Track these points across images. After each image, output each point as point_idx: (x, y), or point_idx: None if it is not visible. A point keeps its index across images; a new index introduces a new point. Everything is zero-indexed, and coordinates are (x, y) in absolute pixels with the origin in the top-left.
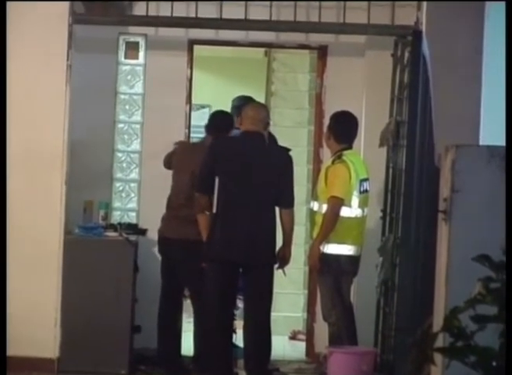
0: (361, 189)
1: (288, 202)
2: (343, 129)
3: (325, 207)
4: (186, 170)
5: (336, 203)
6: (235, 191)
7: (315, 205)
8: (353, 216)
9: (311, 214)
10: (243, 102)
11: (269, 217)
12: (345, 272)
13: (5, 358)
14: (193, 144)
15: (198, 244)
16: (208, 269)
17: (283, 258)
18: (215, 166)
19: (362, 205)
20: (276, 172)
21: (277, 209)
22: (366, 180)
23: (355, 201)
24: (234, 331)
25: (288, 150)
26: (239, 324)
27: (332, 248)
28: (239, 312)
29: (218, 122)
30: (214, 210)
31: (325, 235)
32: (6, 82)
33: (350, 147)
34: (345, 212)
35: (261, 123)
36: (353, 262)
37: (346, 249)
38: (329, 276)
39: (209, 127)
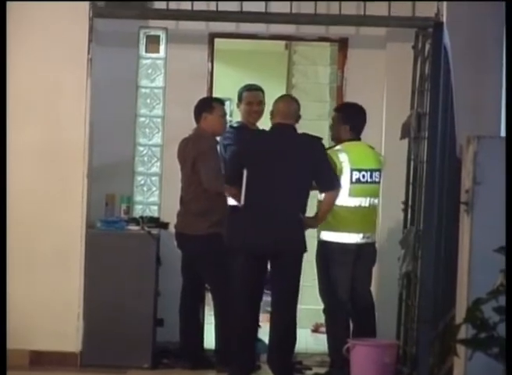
0: (353, 179)
1: (329, 185)
2: (360, 121)
3: (318, 194)
4: (186, 165)
5: None
6: (263, 183)
7: None
8: (339, 203)
9: None
10: (242, 89)
11: (298, 208)
12: (335, 260)
13: (5, 354)
14: (186, 139)
15: (212, 238)
16: (234, 260)
17: (307, 225)
18: (243, 159)
19: (356, 194)
20: (309, 161)
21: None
22: (366, 170)
23: (344, 190)
24: (258, 324)
25: (320, 139)
26: (262, 317)
27: (323, 235)
28: (262, 304)
29: (195, 110)
30: (241, 202)
31: None
32: (6, 80)
33: (357, 138)
34: None
35: (292, 116)
36: (344, 251)
37: (335, 236)
38: (321, 263)
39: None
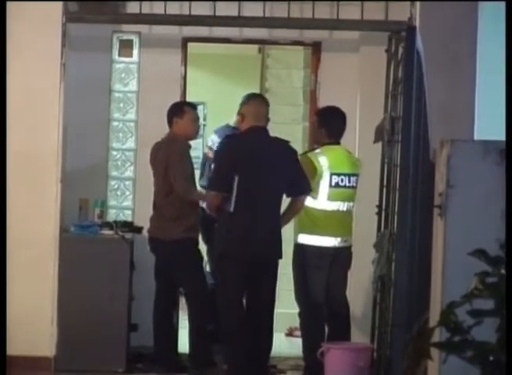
0: (332, 183)
1: (305, 189)
2: (337, 124)
3: None
4: (159, 169)
5: None
6: (252, 189)
7: None
8: (318, 207)
9: None
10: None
11: (279, 214)
12: (312, 264)
13: (5, 359)
14: (159, 143)
15: (186, 242)
16: (221, 267)
17: None
18: (235, 165)
19: (335, 198)
20: (285, 165)
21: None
22: (344, 175)
23: (322, 193)
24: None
25: (287, 142)
26: None
27: (300, 238)
28: None
29: (167, 114)
30: (231, 209)
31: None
32: (6, 85)
33: (337, 142)
34: (307, 201)
35: (264, 118)
36: (321, 254)
37: (312, 239)
38: (297, 266)
39: None
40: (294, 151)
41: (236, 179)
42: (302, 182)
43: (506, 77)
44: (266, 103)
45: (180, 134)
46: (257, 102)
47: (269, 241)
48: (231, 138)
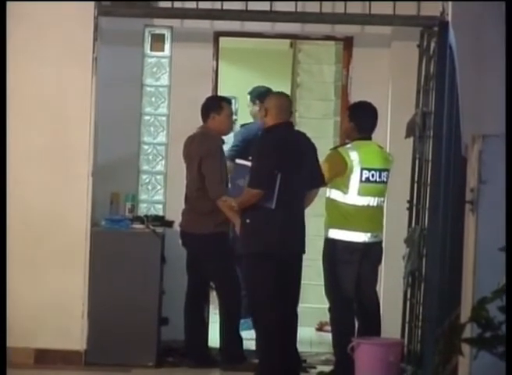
0: (363, 178)
1: (321, 181)
2: (368, 120)
3: (327, 191)
4: (192, 163)
5: None
6: (290, 184)
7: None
8: (349, 202)
9: None
10: (266, 90)
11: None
12: (342, 259)
13: (5, 353)
14: (191, 137)
15: (217, 237)
16: (259, 267)
17: None
18: (278, 163)
19: (365, 193)
20: (309, 158)
21: None
22: (375, 170)
23: (353, 188)
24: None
25: (305, 134)
26: None
27: (330, 233)
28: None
29: (202, 109)
30: (273, 205)
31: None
32: (6, 80)
33: (368, 137)
34: (337, 196)
35: (287, 112)
36: (351, 249)
37: (342, 234)
38: (328, 261)
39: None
40: (313, 143)
41: (279, 176)
42: (319, 174)
43: (506, 76)
44: (287, 97)
45: (214, 129)
46: (278, 95)
47: (302, 236)
48: (267, 136)
